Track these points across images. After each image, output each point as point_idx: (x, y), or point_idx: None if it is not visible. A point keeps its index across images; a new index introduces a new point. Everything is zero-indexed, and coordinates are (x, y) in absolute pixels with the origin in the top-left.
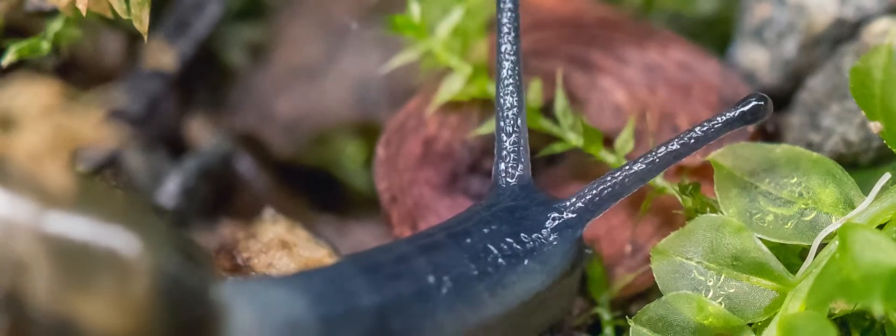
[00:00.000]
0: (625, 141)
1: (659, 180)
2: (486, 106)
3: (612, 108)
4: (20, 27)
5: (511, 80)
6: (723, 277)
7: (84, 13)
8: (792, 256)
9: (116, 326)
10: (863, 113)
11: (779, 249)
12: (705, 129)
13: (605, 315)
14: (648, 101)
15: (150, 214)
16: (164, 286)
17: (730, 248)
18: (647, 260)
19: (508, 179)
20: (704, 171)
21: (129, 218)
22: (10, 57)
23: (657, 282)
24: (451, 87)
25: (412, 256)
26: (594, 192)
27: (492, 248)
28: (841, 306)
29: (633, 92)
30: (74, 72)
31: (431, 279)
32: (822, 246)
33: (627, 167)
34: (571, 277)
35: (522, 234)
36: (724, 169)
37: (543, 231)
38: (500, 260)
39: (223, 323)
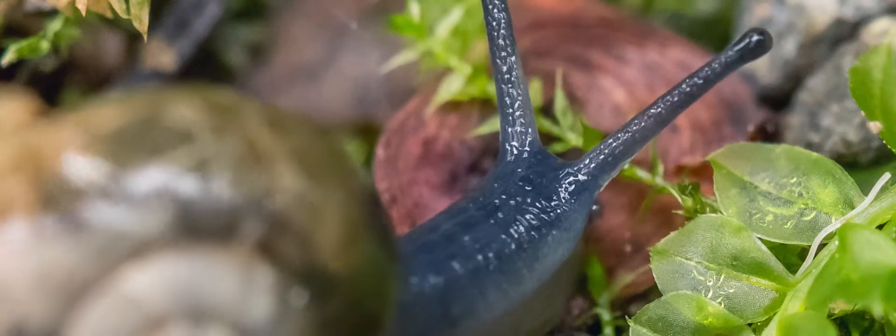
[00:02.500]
0: None
1: (658, 180)
2: (486, 106)
3: (611, 108)
4: (20, 27)
5: (506, 41)
6: (722, 277)
7: (84, 13)
8: (792, 256)
9: (341, 241)
10: (862, 113)
11: (778, 249)
12: (707, 72)
13: (605, 315)
14: (648, 101)
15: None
16: (371, 207)
17: (729, 248)
18: (647, 260)
19: (519, 146)
20: (704, 171)
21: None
22: (9, 57)
23: (657, 282)
24: (451, 87)
25: (458, 234)
26: (606, 151)
27: (522, 220)
28: (840, 306)
29: (632, 91)
30: (74, 72)
31: (480, 258)
32: (821, 246)
33: (635, 122)
34: (581, 240)
35: (545, 204)
36: (723, 169)
37: (563, 198)
38: (532, 233)
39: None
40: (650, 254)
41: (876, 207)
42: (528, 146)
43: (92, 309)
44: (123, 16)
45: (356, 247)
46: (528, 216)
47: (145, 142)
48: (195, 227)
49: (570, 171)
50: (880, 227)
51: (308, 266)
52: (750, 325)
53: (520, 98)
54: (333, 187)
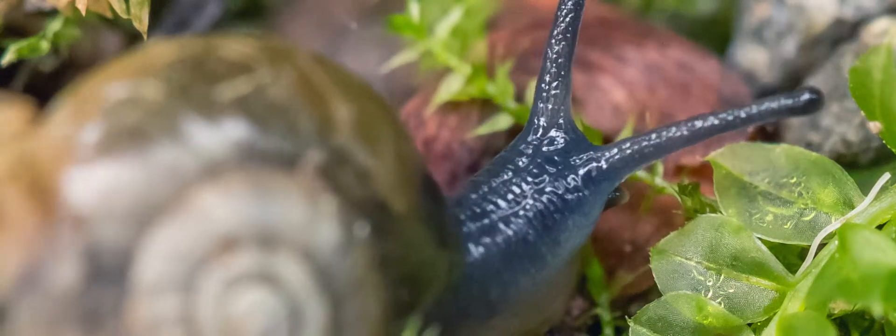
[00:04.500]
0: None
1: (658, 180)
2: (486, 106)
3: (611, 108)
4: (20, 27)
5: (568, 29)
6: (722, 277)
7: (83, 13)
8: (791, 256)
9: (397, 176)
10: (862, 113)
11: (778, 249)
12: (752, 112)
13: (605, 315)
14: (648, 101)
15: None
16: (418, 153)
17: (729, 248)
18: (647, 260)
19: (547, 123)
20: (704, 171)
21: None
22: (9, 56)
23: (657, 282)
24: (451, 87)
25: (483, 216)
26: (635, 148)
27: (544, 201)
28: (840, 306)
29: (632, 91)
30: (74, 72)
31: (510, 245)
32: (821, 246)
33: (673, 129)
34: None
35: (567, 187)
36: (723, 169)
37: (583, 183)
38: (555, 216)
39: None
40: (650, 254)
41: (876, 207)
42: (559, 125)
43: (164, 230)
44: (123, 16)
45: (412, 185)
46: (551, 197)
47: (203, 71)
48: (259, 150)
49: (595, 156)
50: (880, 227)
51: (369, 198)
52: (750, 325)
53: (560, 78)
54: (384, 124)
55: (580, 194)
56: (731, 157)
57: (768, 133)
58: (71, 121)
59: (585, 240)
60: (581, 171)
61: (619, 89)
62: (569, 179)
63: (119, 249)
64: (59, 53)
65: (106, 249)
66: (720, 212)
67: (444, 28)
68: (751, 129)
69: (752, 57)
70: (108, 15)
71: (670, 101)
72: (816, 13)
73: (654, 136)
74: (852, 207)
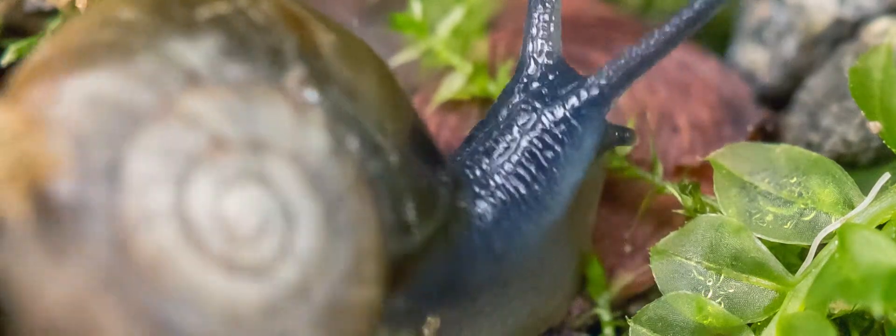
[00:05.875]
0: None
1: (658, 180)
2: (485, 105)
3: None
4: (20, 27)
5: None
6: (722, 277)
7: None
8: (791, 256)
9: (383, 98)
10: (862, 113)
11: (778, 249)
12: (698, 6)
13: (605, 315)
14: (648, 101)
15: None
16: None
17: (729, 247)
18: (647, 260)
19: (537, 59)
20: (704, 171)
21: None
22: (9, 57)
23: (657, 282)
24: (452, 86)
25: (479, 164)
26: (613, 70)
27: (536, 142)
28: (840, 306)
29: (632, 91)
30: None
31: (506, 191)
32: (821, 246)
33: (638, 48)
34: (599, 161)
35: (554, 120)
36: (723, 169)
37: (571, 112)
38: (548, 154)
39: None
40: (650, 254)
41: (876, 207)
42: (546, 62)
43: (153, 132)
44: None
45: (399, 115)
46: (542, 136)
47: None
48: (242, 64)
49: (578, 84)
50: (880, 227)
51: (355, 117)
52: (750, 325)
53: (549, 8)
54: (367, 53)
55: (569, 125)
56: (731, 157)
57: (768, 133)
58: (51, 45)
59: (584, 175)
60: (567, 102)
61: None
62: (556, 111)
63: (109, 151)
64: None
65: (95, 151)
66: (720, 212)
67: (445, 27)
68: (750, 128)
69: (752, 57)
70: None
71: (670, 101)
72: (816, 13)
73: (624, 56)
74: (852, 207)
